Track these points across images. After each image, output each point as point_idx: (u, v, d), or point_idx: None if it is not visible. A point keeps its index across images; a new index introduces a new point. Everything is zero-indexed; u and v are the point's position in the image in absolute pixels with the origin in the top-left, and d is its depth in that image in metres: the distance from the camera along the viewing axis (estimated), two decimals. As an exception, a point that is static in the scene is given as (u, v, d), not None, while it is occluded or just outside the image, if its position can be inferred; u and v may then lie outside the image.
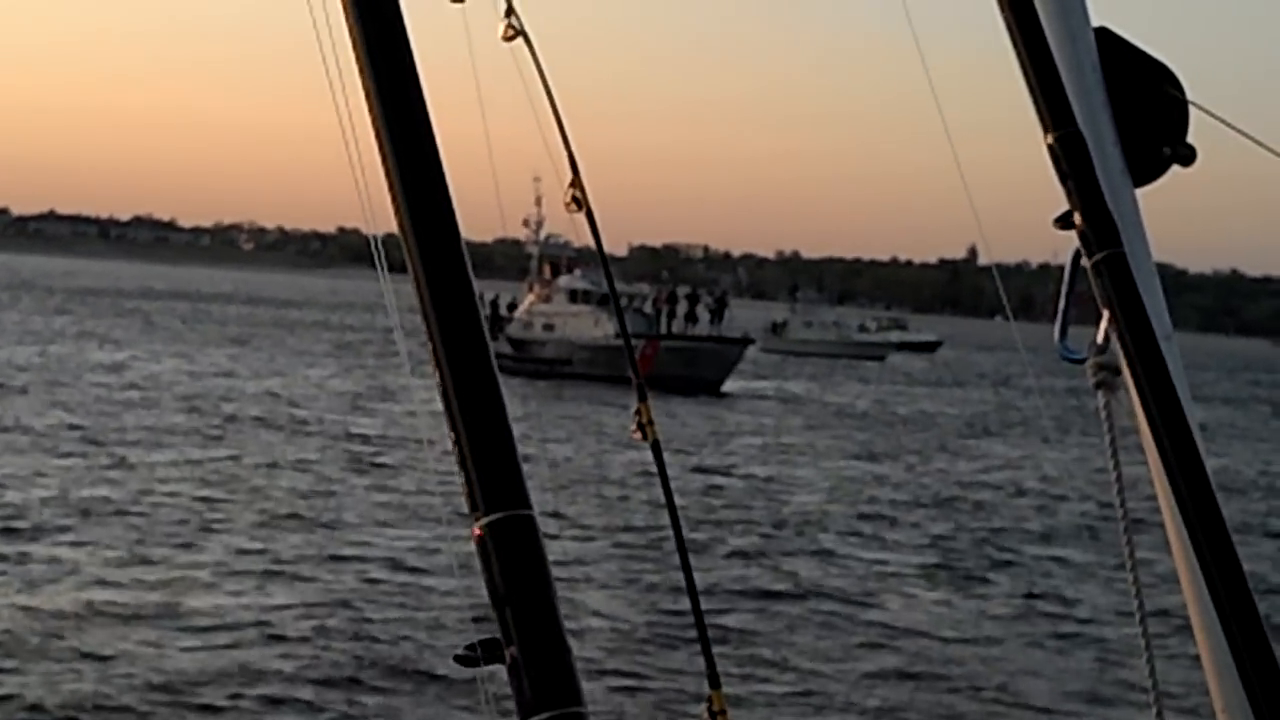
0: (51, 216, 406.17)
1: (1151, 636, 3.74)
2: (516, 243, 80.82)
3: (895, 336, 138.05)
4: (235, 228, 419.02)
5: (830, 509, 38.44)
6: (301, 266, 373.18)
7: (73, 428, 43.24)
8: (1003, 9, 3.47)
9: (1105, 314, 3.53)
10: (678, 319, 77.62)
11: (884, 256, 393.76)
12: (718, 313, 79.19)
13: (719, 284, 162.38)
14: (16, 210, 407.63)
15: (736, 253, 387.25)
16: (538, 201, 78.23)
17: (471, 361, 2.35)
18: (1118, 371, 3.58)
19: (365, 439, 46.05)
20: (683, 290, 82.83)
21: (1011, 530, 37.32)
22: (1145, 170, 3.73)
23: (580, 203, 3.10)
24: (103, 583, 24.88)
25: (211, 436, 44.25)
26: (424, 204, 2.38)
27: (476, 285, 2.43)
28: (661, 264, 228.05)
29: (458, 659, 2.29)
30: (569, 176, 3.07)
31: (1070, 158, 3.47)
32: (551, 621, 2.27)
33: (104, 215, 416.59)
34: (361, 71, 2.39)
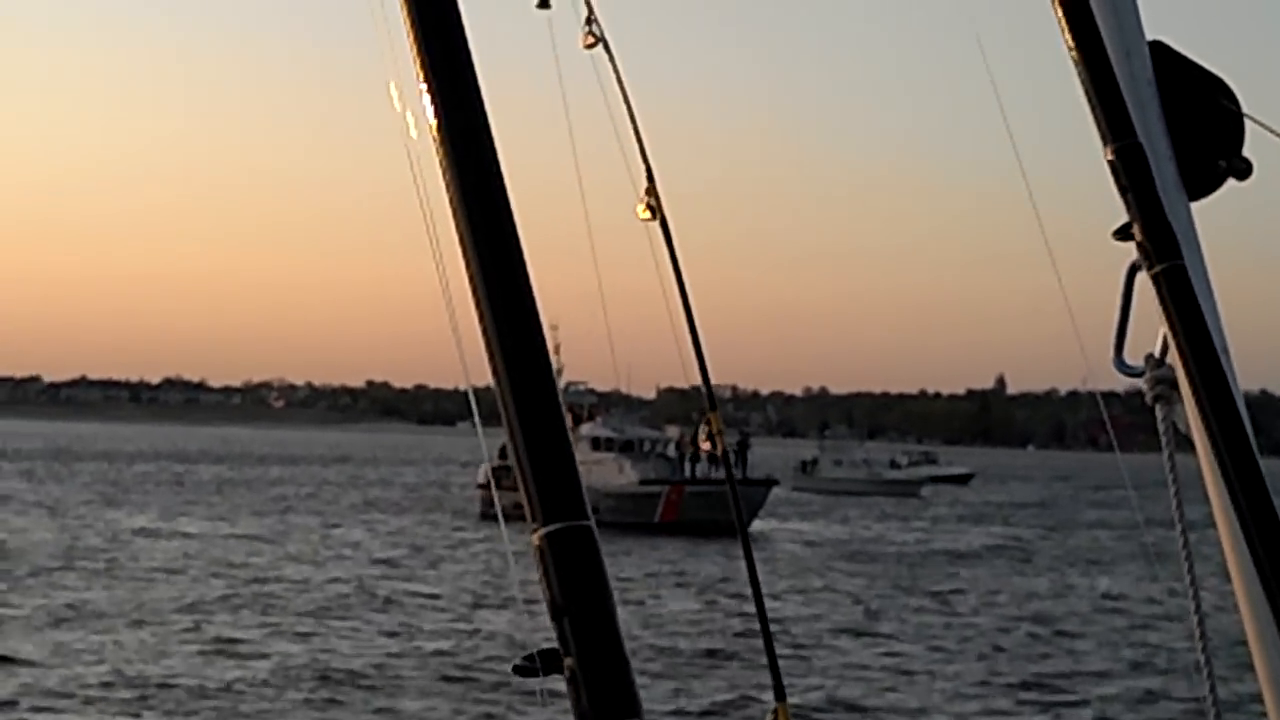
0: (83, 382, 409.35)
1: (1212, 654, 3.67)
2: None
3: (926, 471, 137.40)
4: (265, 385, 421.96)
5: (851, 649, 38.02)
6: (332, 422, 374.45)
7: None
8: (1062, 25, 3.48)
9: (1163, 328, 3.51)
10: (701, 462, 77.78)
11: (912, 389, 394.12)
12: (741, 454, 79.37)
13: (748, 423, 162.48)
14: (49, 377, 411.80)
15: (765, 391, 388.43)
16: (556, 349, 78.36)
17: (533, 377, 2.37)
18: (1174, 385, 3.55)
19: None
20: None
21: (1058, 666, 36.98)
22: (1201, 183, 3.72)
23: (655, 211, 3.08)
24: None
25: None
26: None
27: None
28: (690, 406, 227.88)
29: (516, 669, 2.27)
30: (644, 184, 3.06)
31: (1130, 170, 3.45)
32: (610, 633, 2.26)
33: (134, 379, 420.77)
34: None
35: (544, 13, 2.91)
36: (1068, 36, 3.47)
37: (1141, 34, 3.73)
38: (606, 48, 2.89)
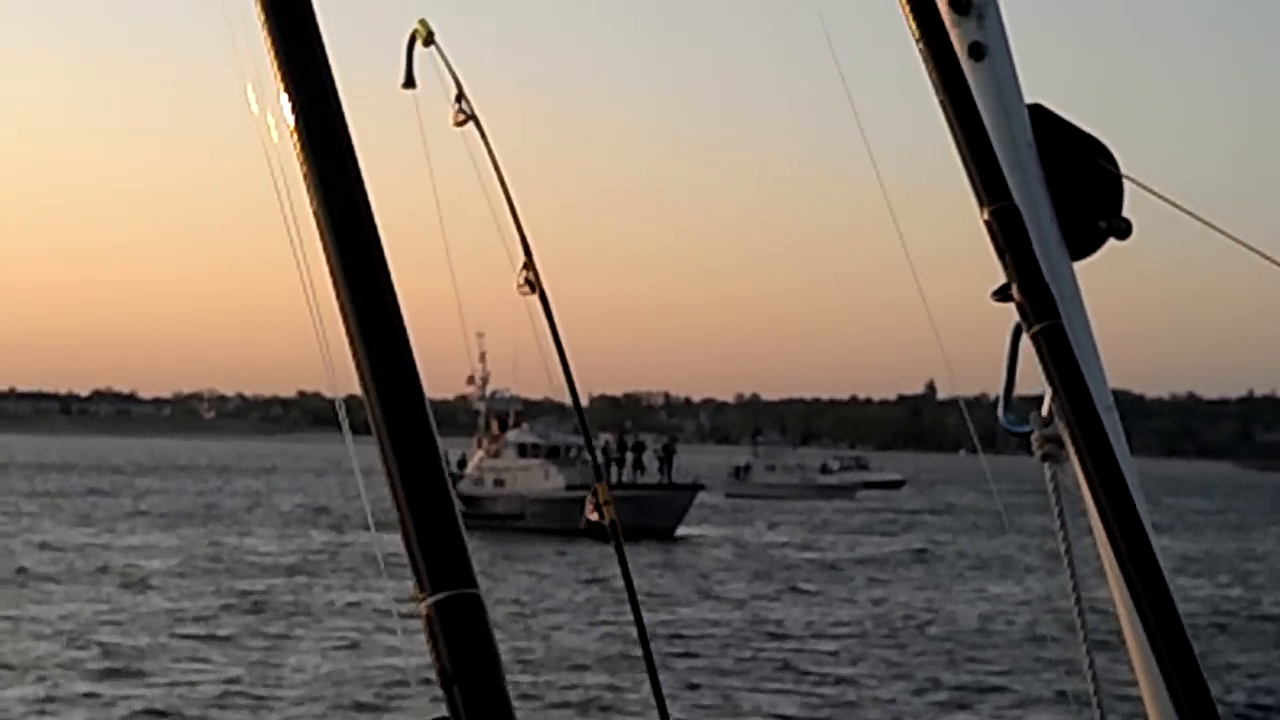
0: (12, 395, 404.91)
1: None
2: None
3: (858, 477, 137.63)
4: (195, 397, 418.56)
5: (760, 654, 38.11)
6: (264, 432, 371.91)
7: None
8: (937, 88, 3.50)
9: (1048, 387, 3.53)
10: (626, 467, 78.06)
11: (844, 395, 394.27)
12: (666, 460, 79.82)
13: (681, 430, 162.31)
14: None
15: (697, 398, 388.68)
16: (481, 357, 78.50)
17: (416, 443, 2.33)
18: (1063, 444, 3.58)
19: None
20: (630, 439, 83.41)
21: (974, 672, 37.16)
22: (1082, 243, 3.75)
23: (534, 285, 3.09)
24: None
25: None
26: (372, 313, 2.39)
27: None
28: (623, 413, 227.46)
29: None
30: (521, 259, 3.06)
31: (1006, 231, 3.47)
32: (500, 700, 2.25)
33: (64, 391, 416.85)
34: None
35: (411, 92, 2.91)
36: (943, 99, 3.50)
37: (1020, 97, 3.75)
38: (478, 124, 2.90)
